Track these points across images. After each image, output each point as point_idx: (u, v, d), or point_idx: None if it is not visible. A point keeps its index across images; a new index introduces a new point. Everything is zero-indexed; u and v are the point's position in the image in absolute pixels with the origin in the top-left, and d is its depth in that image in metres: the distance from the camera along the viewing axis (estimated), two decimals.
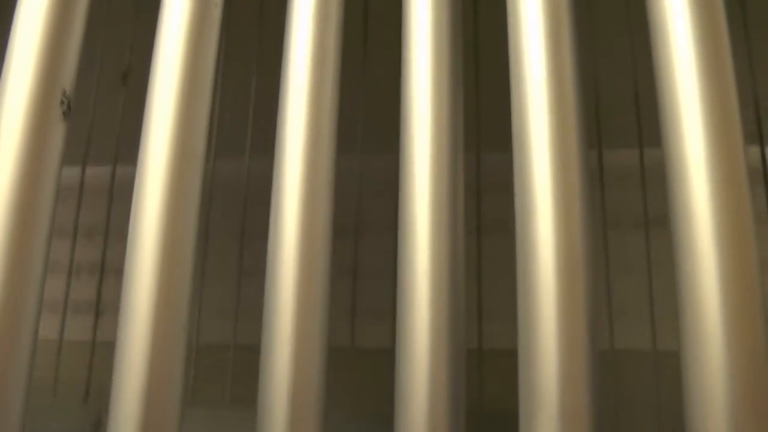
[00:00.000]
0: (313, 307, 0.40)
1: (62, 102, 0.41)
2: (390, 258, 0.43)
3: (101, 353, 0.61)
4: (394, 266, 0.41)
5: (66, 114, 0.41)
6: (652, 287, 0.54)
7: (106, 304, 0.63)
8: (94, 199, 0.63)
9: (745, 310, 0.35)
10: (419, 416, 0.38)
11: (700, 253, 0.36)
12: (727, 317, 0.35)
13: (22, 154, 0.39)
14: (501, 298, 0.53)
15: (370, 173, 0.59)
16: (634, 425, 0.53)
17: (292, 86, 0.43)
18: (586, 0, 0.53)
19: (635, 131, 0.55)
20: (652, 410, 0.52)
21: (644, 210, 0.53)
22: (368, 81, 0.58)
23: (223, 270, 0.61)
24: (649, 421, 0.53)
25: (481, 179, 0.55)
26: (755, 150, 0.56)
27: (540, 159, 0.39)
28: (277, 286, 0.40)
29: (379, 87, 0.59)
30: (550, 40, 0.41)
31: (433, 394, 0.38)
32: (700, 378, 0.35)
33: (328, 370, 0.40)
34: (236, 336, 0.59)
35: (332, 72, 0.44)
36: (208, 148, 0.43)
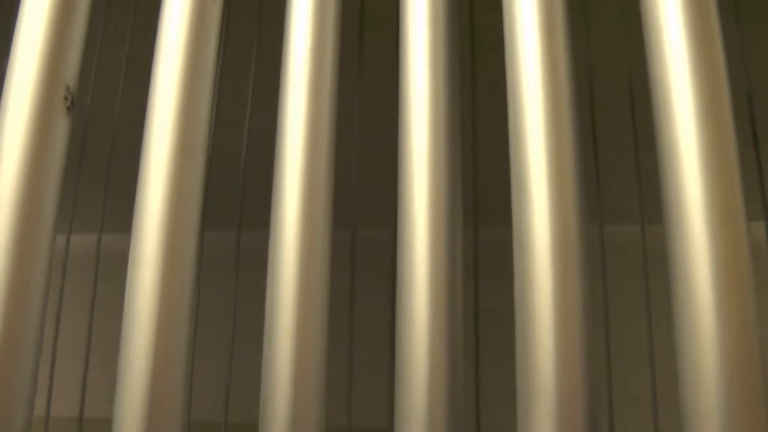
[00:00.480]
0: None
1: (66, 97, 0.42)
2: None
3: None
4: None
5: (69, 109, 0.42)
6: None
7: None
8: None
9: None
10: None
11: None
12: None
13: (27, 148, 0.40)
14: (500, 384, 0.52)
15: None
16: None
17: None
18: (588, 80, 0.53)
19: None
20: None
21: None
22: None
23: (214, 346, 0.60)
24: None
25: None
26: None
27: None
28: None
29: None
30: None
31: None
32: None
33: None
34: (227, 415, 0.58)
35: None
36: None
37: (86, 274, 0.61)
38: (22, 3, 0.43)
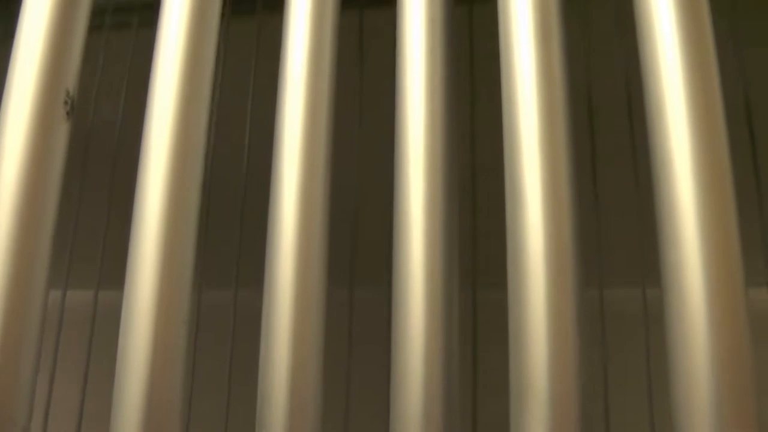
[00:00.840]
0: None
1: (66, 102, 0.42)
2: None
3: None
4: None
5: (69, 114, 0.43)
6: None
7: None
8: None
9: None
10: None
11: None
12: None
13: (27, 152, 0.40)
14: None
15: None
16: None
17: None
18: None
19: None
20: None
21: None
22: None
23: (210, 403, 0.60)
24: None
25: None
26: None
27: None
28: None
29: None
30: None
31: None
32: None
33: None
34: None
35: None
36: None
37: (82, 331, 0.61)
38: (22, 9, 0.43)
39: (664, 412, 0.37)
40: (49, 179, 0.41)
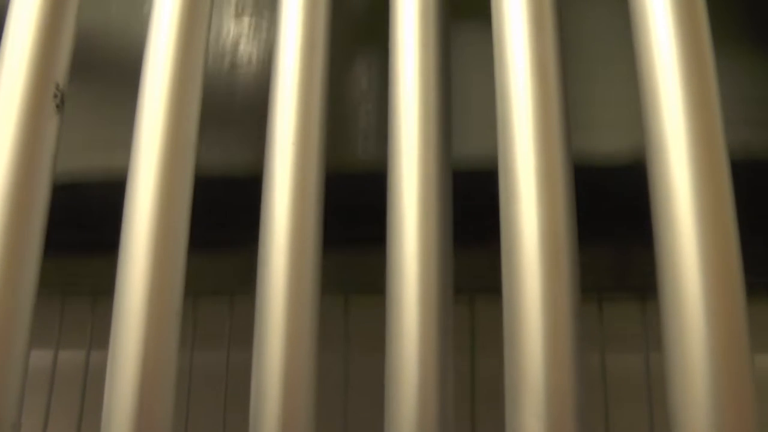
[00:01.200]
0: None
1: (55, 95, 0.42)
2: None
3: None
4: None
5: (59, 107, 0.42)
6: None
7: None
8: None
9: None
10: None
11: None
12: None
13: (17, 146, 0.40)
14: None
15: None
16: None
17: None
18: None
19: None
20: None
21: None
22: None
23: None
24: None
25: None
26: None
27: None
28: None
29: None
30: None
31: None
32: None
33: None
34: None
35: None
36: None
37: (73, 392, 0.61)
38: (11, 2, 0.43)
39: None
40: (40, 172, 0.41)
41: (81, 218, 0.57)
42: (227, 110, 0.57)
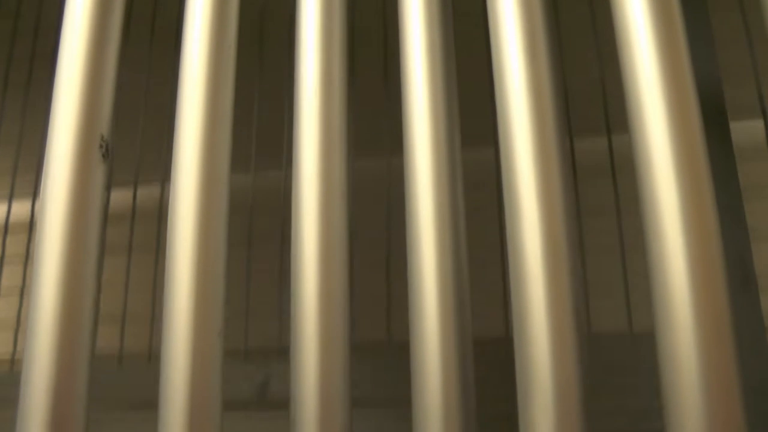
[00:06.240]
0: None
1: (101, 146, 0.47)
2: None
3: None
4: None
5: (105, 156, 0.47)
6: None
7: None
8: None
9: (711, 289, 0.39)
10: None
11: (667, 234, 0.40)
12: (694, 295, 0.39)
13: (71, 192, 0.45)
14: None
15: None
16: None
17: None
18: None
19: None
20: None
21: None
22: None
23: None
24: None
25: None
26: None
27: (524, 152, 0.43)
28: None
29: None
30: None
31: None
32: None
33: None
34: None
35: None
36: None
37: None
38: (59, 64, 0.48)
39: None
40: (90, 218, 0.46)
41: None
42: None
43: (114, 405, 0.68)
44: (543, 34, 0.46)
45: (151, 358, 0.68)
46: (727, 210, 0.55)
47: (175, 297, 0.44)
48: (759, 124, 0.61)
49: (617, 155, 0.60)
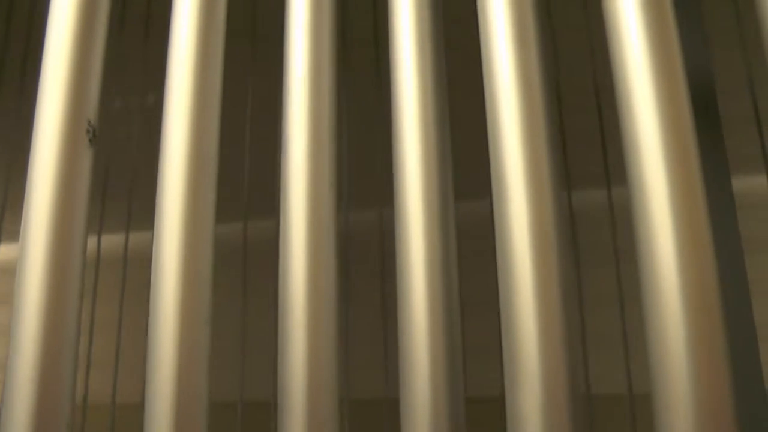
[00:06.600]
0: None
1: (88, 130, 0.48)
2: None
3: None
4: None
5: (92, 141, 0.48)
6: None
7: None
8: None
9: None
10: None
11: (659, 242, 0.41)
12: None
13: (56, 176, 0.46)
14: None
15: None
16: None
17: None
18: None
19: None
20: None
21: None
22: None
23: None
24: None
25: None
26: None
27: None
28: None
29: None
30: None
31: None
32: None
33: None
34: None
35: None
36: None
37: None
38: (45, 47, 0.49)
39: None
40: (77, 201, 0.47)
41: None
42: None
43: None
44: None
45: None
46: (728, 265, 0.55)
47: (162, 281, 0.45)
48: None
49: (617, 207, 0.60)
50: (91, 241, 0.75)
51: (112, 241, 0.72)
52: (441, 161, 0.47)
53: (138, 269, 0.69)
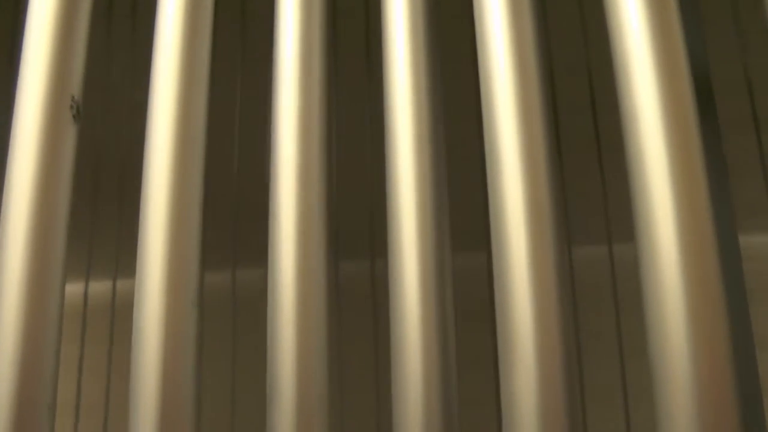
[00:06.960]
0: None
1: (71, 106, 0.46)
2: None
3: None
4: None
5: (76, 117, 0.46)
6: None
7: None
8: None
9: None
10: None
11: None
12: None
13: (39, 154, 0.44)
14: None
15: None
16: None
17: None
18: None
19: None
20: None
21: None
22: None
23: None
24: None
25: None
26: None
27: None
28: None
29: None
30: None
31: None
32: None
33: None
34: None
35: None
36: None
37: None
38: (27, 20, 0.46)
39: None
40: (60, 181, 0.44)
41: None
42: None
43: None
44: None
45: None
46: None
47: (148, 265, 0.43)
48: None
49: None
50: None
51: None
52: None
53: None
